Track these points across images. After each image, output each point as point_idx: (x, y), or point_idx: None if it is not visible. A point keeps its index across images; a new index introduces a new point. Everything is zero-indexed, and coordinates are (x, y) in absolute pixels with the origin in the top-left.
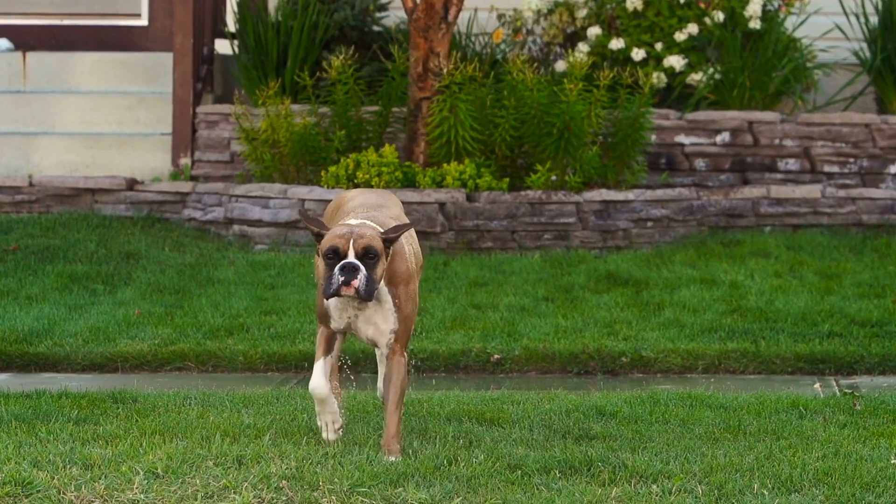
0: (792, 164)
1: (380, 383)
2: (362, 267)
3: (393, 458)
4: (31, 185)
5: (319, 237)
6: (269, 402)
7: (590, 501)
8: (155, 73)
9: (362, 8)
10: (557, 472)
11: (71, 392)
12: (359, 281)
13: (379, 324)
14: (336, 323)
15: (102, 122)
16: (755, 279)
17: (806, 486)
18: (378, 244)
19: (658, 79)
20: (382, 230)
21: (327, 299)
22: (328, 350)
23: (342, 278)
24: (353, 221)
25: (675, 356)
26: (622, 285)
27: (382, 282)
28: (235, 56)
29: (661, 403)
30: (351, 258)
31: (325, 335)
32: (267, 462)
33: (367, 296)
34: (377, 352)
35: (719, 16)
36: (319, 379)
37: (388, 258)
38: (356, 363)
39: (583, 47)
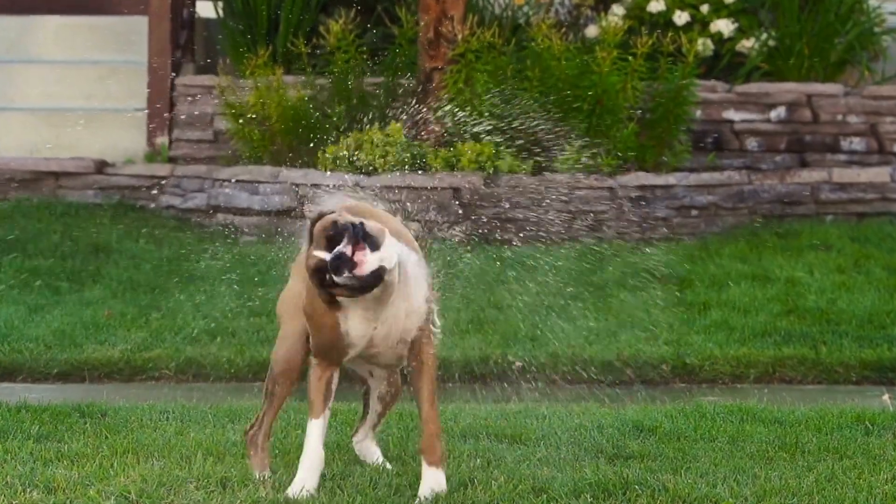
0: (857, 143)
1: (358, 437)
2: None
3: (435, 473)
4: None
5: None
6: None
7: None
8: (128, 39)
9: None
10: (589, 496)
11: (31, 405)
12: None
13: (411, 300)
14: (356, 345)
15: (68, 96)
16: (815, 275)
17: None
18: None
19: (704, 46)
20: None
21: (338, 275)
22: (329, 397)
23: (347, 249)
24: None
25: (723, 363)
26: (662, 282)
27: (398, 244)
28: (220, 20)
29: (707, 418)
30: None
31: (325, 375)
32: (255, 485)
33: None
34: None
35: None
36: (315, 474)
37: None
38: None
39: (617, 10)
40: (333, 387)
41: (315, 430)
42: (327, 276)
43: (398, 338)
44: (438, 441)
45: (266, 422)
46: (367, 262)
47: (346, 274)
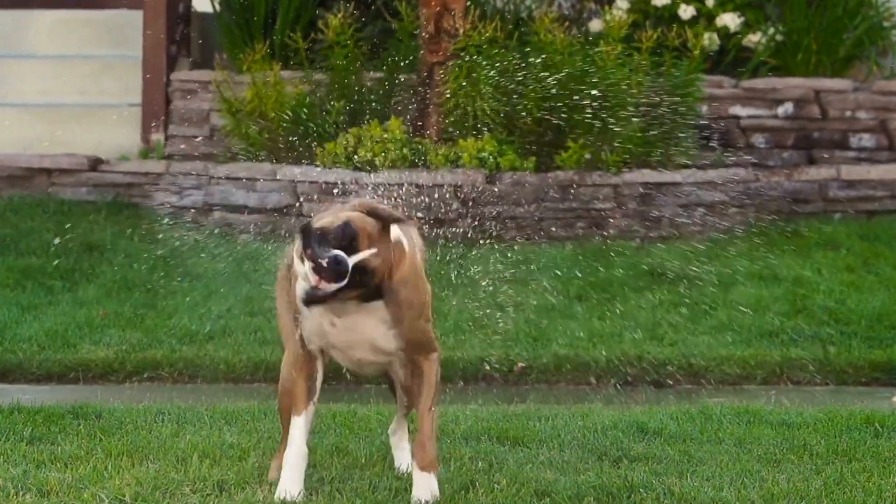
0: (866, 139)
1: (393, 426)
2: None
3: (426, 478)
4: None
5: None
6: (256, 418)
7: None
8: (123, 34)
9: None
10: (592, 499)
11: (24, 406)
12: (327, 261)
13: (373, 338)
14: (309, 338)
15: (62, 92)
16: (823, 274)
17: None
18: (361, 224)
19: (710, 40)
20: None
21: (307, 305)
22: (311, 393)
23: (310, 264)
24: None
25: (729, 364)
26: (668, 282)
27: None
28: (216, 14)
29: (713, 419)
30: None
31: (304, 369)
32: (253, 488)
33: (333, 276)
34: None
35: None
36: (299, 472)
37: (385, 247)
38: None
39: (621, 4)
40: (317, 383)
41: (298, 427)
42: (312, 241)
43: (373, 351)
44: (431, 444)
45: (285, 443)
46: (321, 285)
47: (319, 266)
